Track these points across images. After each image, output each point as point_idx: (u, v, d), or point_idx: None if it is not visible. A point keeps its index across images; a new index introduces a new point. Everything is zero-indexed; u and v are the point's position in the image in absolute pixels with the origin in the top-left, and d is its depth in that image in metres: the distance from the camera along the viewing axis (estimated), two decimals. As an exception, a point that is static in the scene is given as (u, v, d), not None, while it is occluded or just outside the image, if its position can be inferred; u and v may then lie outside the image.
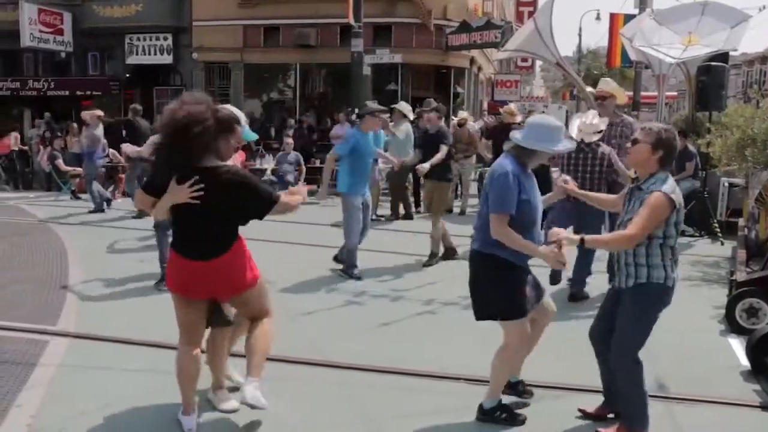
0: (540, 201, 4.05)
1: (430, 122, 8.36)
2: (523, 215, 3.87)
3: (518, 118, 10.75)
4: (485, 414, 4.11)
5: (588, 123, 6.58)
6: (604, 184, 6.57)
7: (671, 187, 3.64)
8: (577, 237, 3.86)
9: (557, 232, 3.77)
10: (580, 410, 4.19)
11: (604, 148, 6.59)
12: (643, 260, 3.70)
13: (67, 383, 4.60)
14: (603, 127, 6.61)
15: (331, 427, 4.10)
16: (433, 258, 8.18)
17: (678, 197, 3.65)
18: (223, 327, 4.17)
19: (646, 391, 3.81)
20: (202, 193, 3.70)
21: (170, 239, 5.82)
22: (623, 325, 3.78)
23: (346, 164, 7.49)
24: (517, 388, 4.41)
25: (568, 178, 4.25)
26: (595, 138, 6.53)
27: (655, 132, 3.72)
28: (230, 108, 4.29)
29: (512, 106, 11.77)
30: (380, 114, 8.00)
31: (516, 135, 4.00)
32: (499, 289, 3.96)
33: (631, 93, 19.46)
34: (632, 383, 3.80)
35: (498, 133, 11.40)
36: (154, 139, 6.85)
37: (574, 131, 6.54)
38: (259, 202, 3.81)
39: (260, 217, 3.86)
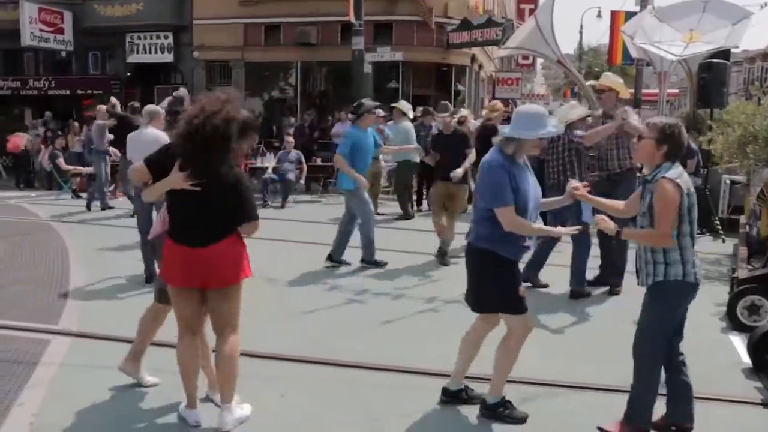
0: (534, 189, 4.05)
1: (446, 126, 8.43)
2: (516, 203, 3.90)
3: (493, 115, 10.40)
4: (488, 410, 4.12)
5: (563, 113, 6.88)
6: (577, 170, 6.68)
7: (676, 173, 3.65)
8: (615, 227, 3.85)
9: (603, 217, 3.90)
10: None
11: (570, 134, 6.73)
12: (661, 257, 3.69)
13: (69, 382, 4.61)
14: (573, 117, 6.77)
15: (333, 425, 4.09)
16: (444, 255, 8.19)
17: (685, 182, 3.65)
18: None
19: (656, 393, 3.78)
20: (203, 181, 3.75)
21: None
22: (642, 322, 3.79)
23: (348, 162, 7.61)
24: (459, 396, 4.33)
25: (578, 183, 4.24)
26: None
27: (659, 127, 3.73)
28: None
29: (496, 102, 11.43)
30: (377, 111, 8.14)
31: (504, 128, 4.08)
32: (497, 285, 4.00)
33: (632, 90, 19.43)
34: (645, 382, 3.78)
35: (480, 132, 10.95)
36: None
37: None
38: (243, 212, 3.88)
39: (237, 225, 3.91)
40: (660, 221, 3.61)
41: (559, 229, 4.18)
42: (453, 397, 4.32)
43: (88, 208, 12.38)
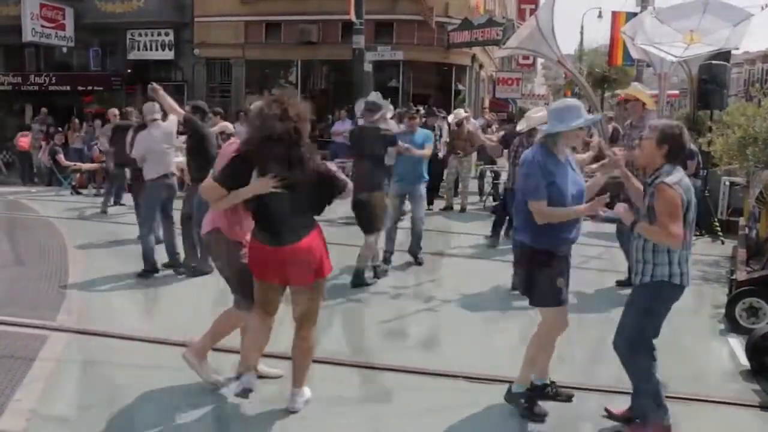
0: (574, 185, 4.04)
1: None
2: (551, 198, 3.92)
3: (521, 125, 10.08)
4: (511, 396, 4.16)
5: (527, 117, 7.15)
6: None
7: (675, 179, 3.65)
8: (632, 219, 3.80)
9: (624, 206, 3.89)
10: (606, 410, 4.16)
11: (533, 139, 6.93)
12: (650, 256, 3.71)
13: (66, 378, 4.60)
14: (535, 122, 6.85)
15: (333, 424, 4.09)
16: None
17: (684, 187, 3.65)
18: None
19: (657, 383, 3.79)
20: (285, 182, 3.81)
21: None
22: (628, 318, 3.82)
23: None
24: (544, 391, 4.34)
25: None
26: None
27: (659, 128, 3.76)
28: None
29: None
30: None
31: (543, 126, 4.15)
32: (529, 276, 4.06)
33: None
34: (640, 378, 3.80)
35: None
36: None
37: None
38: (332, 190, 4.01)
39: (329, 202, 4.05)
40: (668, 223, 3.58)
41: (588, 205, 3.98)
42: (538, 390, 4.34)
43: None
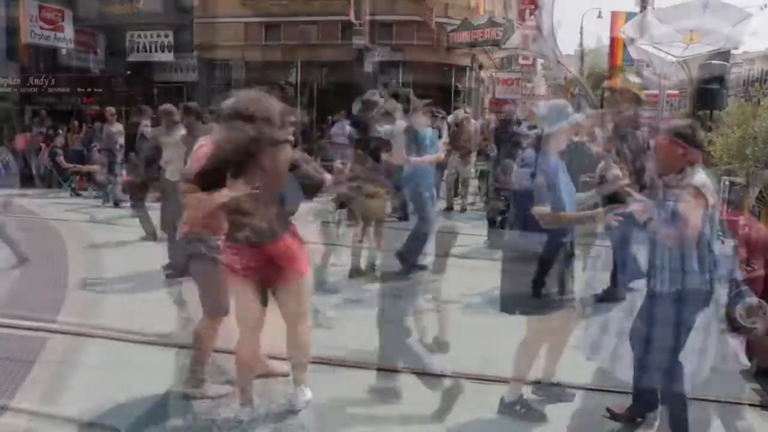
0: (566, 184, 4.05)
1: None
2: (550, 201, 3.92)
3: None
4: (506, 407, 4.12)
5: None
6: None
7: (701, 181, 3.62)
8: (647, 217, 3.76)
9: (641, 204, 3.84)
10: (607, 410, 4.15)
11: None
12: (678, 264, 3.64)
13: (67, 380, 4.60)
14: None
15: (333, 425, 4.09)
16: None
17: (708, 191, 3.62)
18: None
19: (685, 395, 3.78)
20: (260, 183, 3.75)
21: None
22: (663, 330, 3.77)
23: None
24: (550, 390, 4.34)
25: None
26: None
27: (672, 128, 3.76)
28: None
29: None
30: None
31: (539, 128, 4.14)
32: (529, 281, 3.99)
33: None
34: (674, 386, 3.77)
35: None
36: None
37: None
38: (308, 189, 3.97)
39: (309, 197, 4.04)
40: (690, 224, 3.53)
41: (599, 210, 4.05)
42: (546, 389, 4.34)
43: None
